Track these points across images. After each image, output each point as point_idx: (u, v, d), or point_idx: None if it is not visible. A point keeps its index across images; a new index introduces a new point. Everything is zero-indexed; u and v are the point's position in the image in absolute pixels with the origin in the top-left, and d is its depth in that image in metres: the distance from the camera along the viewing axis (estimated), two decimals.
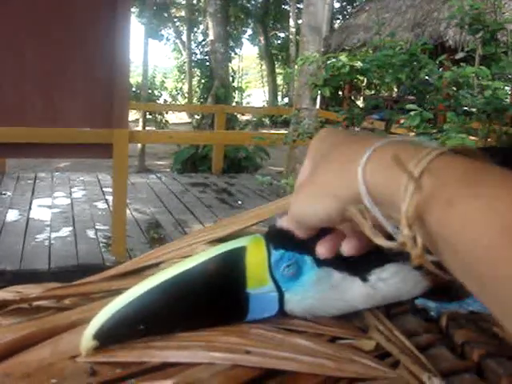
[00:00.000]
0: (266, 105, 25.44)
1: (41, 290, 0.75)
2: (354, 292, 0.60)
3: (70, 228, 6.10)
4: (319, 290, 0.60)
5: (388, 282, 0.59)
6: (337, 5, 23.22)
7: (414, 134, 4.04)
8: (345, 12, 23.42)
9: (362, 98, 14.19)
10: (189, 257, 0.65)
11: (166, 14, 25.38)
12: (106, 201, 7.37)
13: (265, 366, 0.53)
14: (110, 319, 0.57)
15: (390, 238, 0.45)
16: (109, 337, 0.57)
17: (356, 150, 0.48)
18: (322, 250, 0.57)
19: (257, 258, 0.60)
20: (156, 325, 0.59)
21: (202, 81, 20.44)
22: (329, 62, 4.68)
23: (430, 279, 0.62)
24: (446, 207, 0.39)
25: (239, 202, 7.73)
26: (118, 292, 0.64)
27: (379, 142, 0.46)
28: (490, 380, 0.53)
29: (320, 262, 0.59)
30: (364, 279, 0.59)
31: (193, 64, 23.56)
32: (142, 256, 0.88)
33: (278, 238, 0.60)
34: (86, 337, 0.57)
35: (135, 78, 22.45)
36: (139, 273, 0.80)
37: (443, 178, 0.41)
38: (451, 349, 0.58)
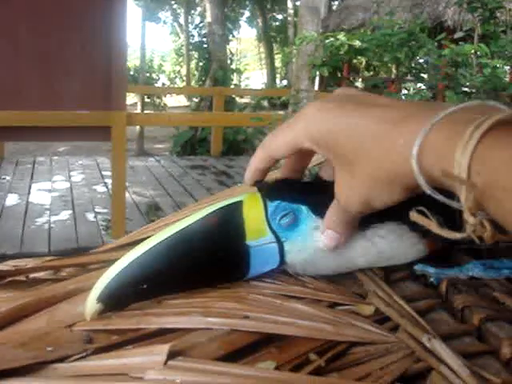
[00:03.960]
0: (264, 87, 25.34)
1: (37, 263, 0.75)
2: (351, 242, 0.60)
3: (70, 211, 6.11)
4: (318, 239, 0.59)
5: (384, 238, 0.60)
6: None
7: None
8: None
9: (360, 79, 14.14)
10: None
11: None
12: (105, 184, 7.37)
13: (263, 330, 0.52)
14: (113, 281, 0.57)
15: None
16: (113, 299, 0.57)
17: (402, 133, 0.46)
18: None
19: (254, 210, 0.60)
20: (159, 284, 0.59)
21: (200, 63, 20.33)
22: (327, 41, 4.65)
23: (425, 244, 0.62)
24: (504, 194, 0.39)
25: (238, 184, 7.72)
26: (115, 262, 0.64)
27: (426, 126, 0.44)
28: (490, 343, 0.52)
29: (317, 211, 0.59)
30: (362, 229, 0.59)
31: (190, 47, 23.43)
32: (139, 230, 0.88)
33: (272, 191, 0.61)
34: (90, 301, 0.56)
35: (133, 61, 22.39)
36: (137, 245, 0.79)
37: (493, 164, 0.40)
38: (451, 314, 0.57)
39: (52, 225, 5.62)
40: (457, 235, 0.44)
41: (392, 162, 0.47)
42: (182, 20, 25.85)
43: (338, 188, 0.55)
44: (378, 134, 0.48)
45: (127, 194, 6.17)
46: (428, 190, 0.44)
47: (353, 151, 0.50)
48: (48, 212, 6.05)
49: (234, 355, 0.49)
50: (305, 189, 0.62)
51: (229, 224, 0.60)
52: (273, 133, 0.58)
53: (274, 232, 0.60)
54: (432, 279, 0.63)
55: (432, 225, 0.45)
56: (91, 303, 0.56)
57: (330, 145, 0.52)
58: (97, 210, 6.24)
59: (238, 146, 10.57)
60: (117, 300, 0.57)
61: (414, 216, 0.46)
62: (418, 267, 0.63)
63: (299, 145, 0.55)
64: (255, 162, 0.61)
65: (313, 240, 0.60)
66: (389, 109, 0.50)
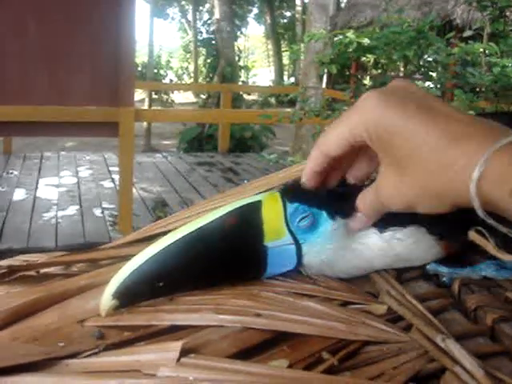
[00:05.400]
0: (272, 84, 25.32)
1: (48, 258, 0.75)
2: (369, 244, 0.60)
3: (77, 207, 6.12)
4: (337, 240, 0.59)
5: (402, 241, 0.59)
6: None
7: None
8: None
9: (368, 77, 14.11)
10: None
11: None
12: (113, 180, 7.38)
13: (275, 328, 0.52)
14: (129, 277, 0.56)
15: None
16: (128, 295, 0.57)
17: (463, 153, 0.46)
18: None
19: (273, 210, 0.60)
20: (176, 282, 0.59)
21: (208, 60, 20.36)
22: (336, 38, 4.65)
23: (443, 246, 0.61)
24: None
25: (245, 181, 7.72)
26: (126, 258, 0.64)
27: (489, 151, 0.44)
28: (503, 344, 0.52)
29: (335, 217, 0.59)
30: (380, 231, 0.59)
31: (198, 43, 23.45)
32: (150, 226, 0.88)
33: (292, 193, 0.61)
34: (106, 297, 0.56)
35: (141, 57, 22.37)
36: (147, 241, 0.79)
37: None
38: (464, 314, 0.57)
39: (59, 220, 5.63)
40: None
41: (448, 179, 0.47)
42: (190, 16, 25.86)
43: (381, 184, 0.55)
44: (437, 148, 0.48)
45: (134, 190, 6.17)
46: (481, 214, 0.45)
47: (407, 156, 0.50)
48: (55, 207, 6.06)
49: (247, 353, 0.49)
50: (324, 194, 0.61)
51: (247, 224, 0.59)
52: (327, 129, 0.57)
53: (292, 233, 0.60)
54: (444, 279, 0.62)
55: (489, 246, 0.46)
56: (106, 299, 0.56)
57: (384, 142, 0.52)
58: (104, 205, 6.24)
59: (245, 142, 10.56)
60: (132, 297, 0.57)
61: (472, 236, 0.47)
62: (430, 267, 0.63)
63: (355, 137, 0.54)
64: (310, 164, 0.59)
65: (331, 242, 0.59)
66: (451, 121, 0.49)
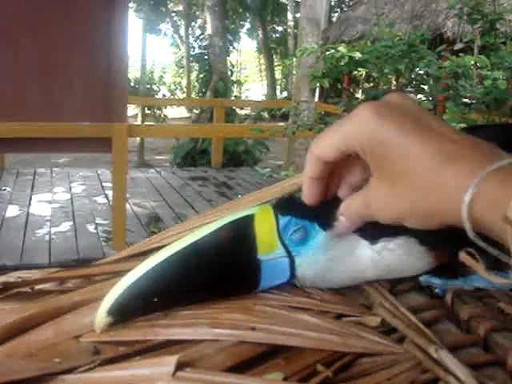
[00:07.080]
0: (264, 99, 25.38)
1: (43, 274, 0.75)
2: (361, 255, 0.60)
3: (70, 223, 6.11)
4: (329, 252, 0.60)
5: (393, 252, 0.60)
6: None
7: None
8: (343, 5, 23.33)
9: (360, 90, 14.16)
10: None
11: (163, 9, 25.26)
12: (106, 195, 7.37)
13: (270, 342, 0.52)
14: (124, 294, 0.56)
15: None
16: (123, 312, 0.57)
17: (456, 174, 0.46)
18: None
19: (265, 224, 0.60)
20: (170, 297, 0.59)
21: (201, 75, 20.42)
22: (328, 53, 4.67)
23: (433, 256, 0.62)
24: None
25: (239, 196, 7.72)
26: (121, 274, 0.64)
27: (481, 174, 0.44)
28: (496, 354, 0.52)
29: (328, 227, 0.59)
30: (372, 243, 0.60)
31: (191, 58, 23.50)
32: (144, 241, 0.88)
33: (284, 206, 0.61)
34: (100, 313, 0.56)
35: (133, 73, 22.43)
36: (142, 257, 0.79)
37: None
38: (457, 324, 0.57)
39: (52, 236, 5.62)
40: (506, 282, 0.45)
41: (439, 200, 0.48)
42: (182, 32, 25.92)
43: (372, 196, 0.55)
44: (430, 167, 0.48)
45: (128, 206, 6.18)
46: (472, 236, 0.45)
47: (400, 172, 0.50)
48: (48, 223, 6.05)
49: (242, 367, 0.50)
50: (316, 206, 0.61)
51: (240, 238, 0.60)
52: (321, 134, 0.57)
53: (285, 246, 0.60)
54: (437, 290, 0.63)
55: (479, 267, 0.46)
56: (101, 316, 0.56)
57: (378, 156, 0.52)
58: (97, 221, 6.24)
59: (238, 157, 10.58)
60: (127, 313, 0.57)
61: (462, 257, 0.47)
62: (423, 278, 0.63)
63: (347, 147, 0.54)
64: (307, 172, 0.59)
65: (323, 254, 0.60)
66: (446, 141, 0.49)
